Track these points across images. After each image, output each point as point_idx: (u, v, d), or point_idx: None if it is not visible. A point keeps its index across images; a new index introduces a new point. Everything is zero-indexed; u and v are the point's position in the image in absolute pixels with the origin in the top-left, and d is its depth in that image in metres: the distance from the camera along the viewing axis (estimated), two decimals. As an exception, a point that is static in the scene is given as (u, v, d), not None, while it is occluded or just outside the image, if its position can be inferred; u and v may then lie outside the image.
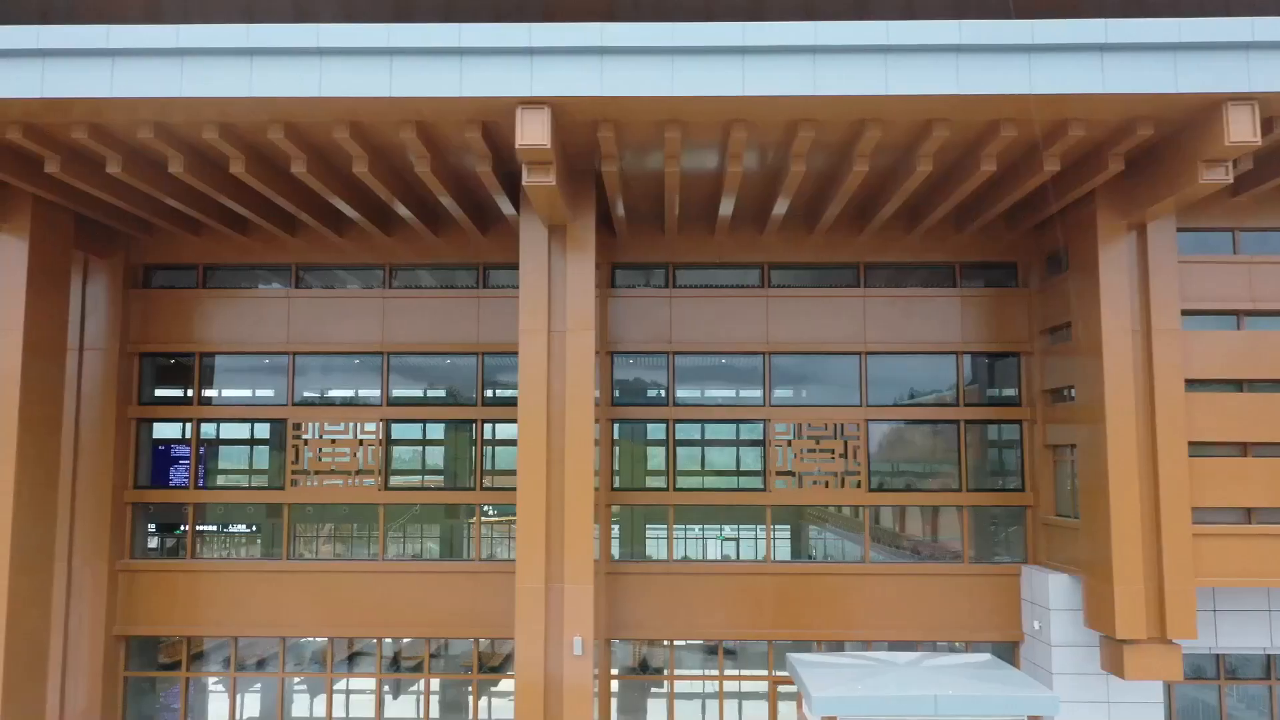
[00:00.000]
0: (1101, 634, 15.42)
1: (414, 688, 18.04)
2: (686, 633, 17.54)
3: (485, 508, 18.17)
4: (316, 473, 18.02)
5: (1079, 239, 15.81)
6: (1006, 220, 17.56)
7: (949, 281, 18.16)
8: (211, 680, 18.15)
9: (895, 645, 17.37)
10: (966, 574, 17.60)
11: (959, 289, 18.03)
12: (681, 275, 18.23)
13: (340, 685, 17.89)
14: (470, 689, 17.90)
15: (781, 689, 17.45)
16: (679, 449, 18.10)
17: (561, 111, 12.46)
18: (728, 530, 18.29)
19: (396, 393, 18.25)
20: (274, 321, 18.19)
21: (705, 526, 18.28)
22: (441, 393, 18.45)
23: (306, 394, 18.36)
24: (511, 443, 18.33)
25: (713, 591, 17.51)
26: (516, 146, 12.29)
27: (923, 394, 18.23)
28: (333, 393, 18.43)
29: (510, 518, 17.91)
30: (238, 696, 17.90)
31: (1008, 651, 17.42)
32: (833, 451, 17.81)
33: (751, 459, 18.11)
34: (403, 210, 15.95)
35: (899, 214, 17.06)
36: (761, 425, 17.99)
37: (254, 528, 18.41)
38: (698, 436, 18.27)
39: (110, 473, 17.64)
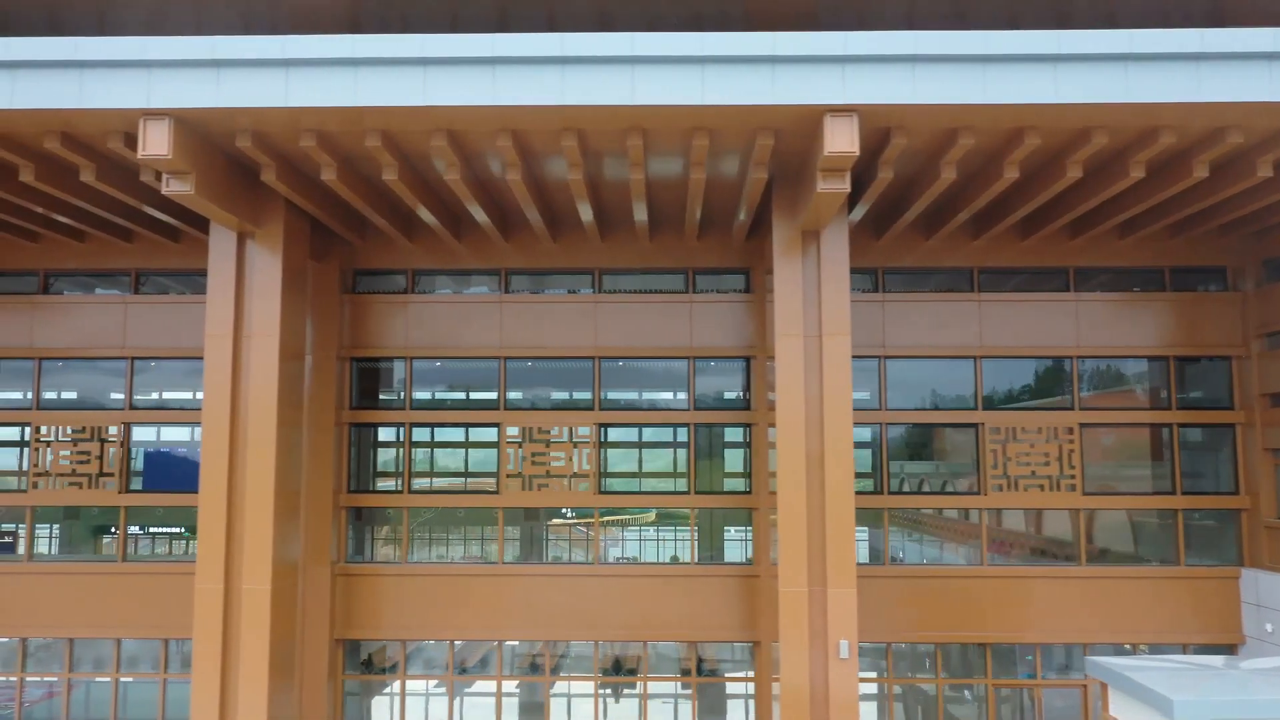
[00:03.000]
0: (1352, 637, 15.50)
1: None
2: (897, 635, 17.60)
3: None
4: (530, 476, 18.12)
5: (1320, 243, 15.88)
6: (1220, 225, 17.62)
7: (1156, 285, 18.22)
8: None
9: (1119, 650, 17.45)
10: (1180, 576, 17.66)
11: (1168, 293, 18.10)
12: (888, 280, 18.31)
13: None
14: (688, 694, 18.01)
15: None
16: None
17: (864, 118, 12.55)
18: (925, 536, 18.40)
19: (609, 395, 18.35)
20: (485, 326, 18.29)
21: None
22: (652, 396, 18.54)
23: (517, 397, 18.46)
24: (724, 446, 18.50)
25: (925, 594, 17.58)
26: (825, 153, 12.39)
27: (1135, 396, 18.29)
28: (544, 396, 18.54)
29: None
30: (439, 702, 18.03)
31: (1223, 654, 17.46)
32: (1047, 455, 17.87)
33: (967, 463, 18.17)
34: (640, 215, 16.06)
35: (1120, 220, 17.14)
36: (974, 430, 18.05)
37: (462, 531, 18.54)
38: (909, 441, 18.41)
39: (330, 476, 17.74)
